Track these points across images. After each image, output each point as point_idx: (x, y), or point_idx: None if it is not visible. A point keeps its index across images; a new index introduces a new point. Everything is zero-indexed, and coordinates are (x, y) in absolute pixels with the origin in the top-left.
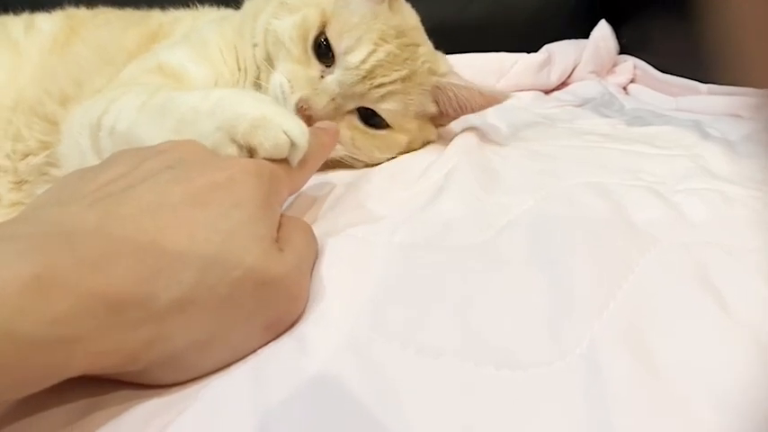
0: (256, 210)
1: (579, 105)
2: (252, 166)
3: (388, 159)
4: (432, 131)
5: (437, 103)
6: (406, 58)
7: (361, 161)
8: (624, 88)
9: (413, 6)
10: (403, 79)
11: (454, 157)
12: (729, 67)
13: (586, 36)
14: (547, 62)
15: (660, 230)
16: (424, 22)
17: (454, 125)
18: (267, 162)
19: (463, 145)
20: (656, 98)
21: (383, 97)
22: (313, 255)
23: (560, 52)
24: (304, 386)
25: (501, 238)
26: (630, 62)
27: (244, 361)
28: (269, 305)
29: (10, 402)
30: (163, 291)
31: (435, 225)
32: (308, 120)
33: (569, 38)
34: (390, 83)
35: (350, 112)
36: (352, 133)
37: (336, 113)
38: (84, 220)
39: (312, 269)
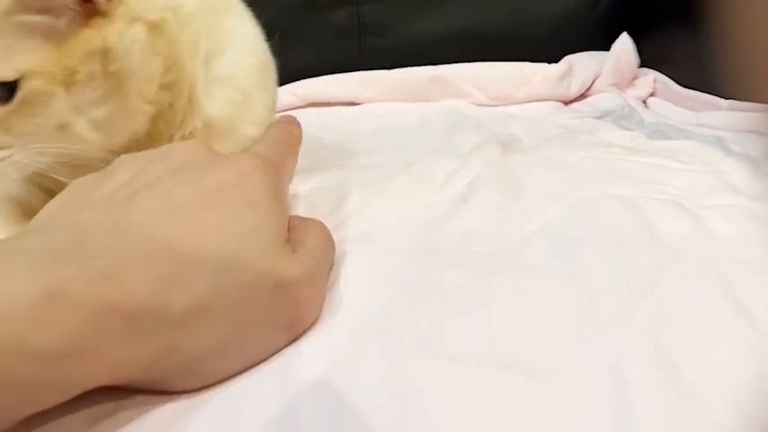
0: (267, 209)
1: (599, 117)
2: (258, 160)
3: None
4: (87, 35)
5: (49, 9)
6: None
7: (68, 148)
8: (644, 102)
9: (433, 16)
10: None
11: (476, 167)
12: (749, 83)
13: (608, 49)
14: (567, 73)
15: (684, 244)
16: (445, 31)
17: (470, 137)
18: (268, 153)
19: (485, 154)
20: (676, 113)
21: None
22: (330, 257)
23: (581, 64)
24: (323, 390)
25: (523, 246)
26: (651, 76)
27: (261, 365)
28: (283, 308)
29: None
30: (176, 299)
31: (457, 232)
32: None
33: (590, 50)
34: None
35: None
36: (3, 127)
37: None
38: (93, 231)
39: (329, 272)
